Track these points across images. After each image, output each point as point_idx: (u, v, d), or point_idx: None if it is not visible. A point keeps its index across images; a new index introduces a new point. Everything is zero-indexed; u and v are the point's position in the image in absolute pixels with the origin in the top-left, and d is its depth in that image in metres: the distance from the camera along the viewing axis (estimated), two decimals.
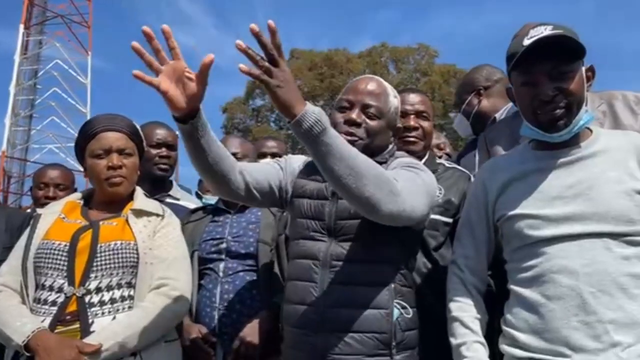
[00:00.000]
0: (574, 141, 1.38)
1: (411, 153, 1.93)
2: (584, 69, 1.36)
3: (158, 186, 2.40)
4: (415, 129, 1.94)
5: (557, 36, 1.30)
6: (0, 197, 26.37)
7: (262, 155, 2.67)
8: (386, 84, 1.63)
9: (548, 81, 1.32)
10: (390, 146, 1.64)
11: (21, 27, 28.32)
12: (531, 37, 1.33)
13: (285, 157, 1.69)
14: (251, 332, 1.84)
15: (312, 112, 1.21)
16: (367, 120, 1.54)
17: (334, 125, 1.47)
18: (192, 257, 2.01)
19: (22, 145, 28.78)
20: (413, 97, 2.00)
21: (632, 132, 1.48)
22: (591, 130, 1.42)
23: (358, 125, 1.53)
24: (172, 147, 2.43)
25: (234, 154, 2.07)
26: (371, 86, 1.58)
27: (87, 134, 1.74)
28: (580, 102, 1.34)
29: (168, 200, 2.39)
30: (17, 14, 29.39)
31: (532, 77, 1.35)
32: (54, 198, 2.40)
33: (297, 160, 1.67)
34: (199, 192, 3.50)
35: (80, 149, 1.76)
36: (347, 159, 1.25)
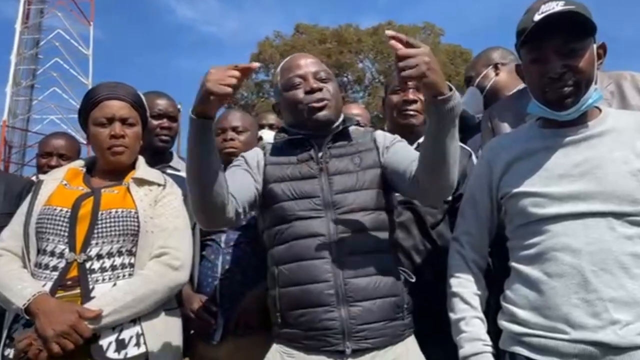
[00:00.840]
0: (581, 120, 1.37)
1: (411, 126, 1.96)
2: (595, 46, 1.34)
3: (159, 157, 2.39)
4: (414, 101, 1.95)
5: (568, 12, 1.27)
6: (1, 167, 26.45)
7: (261, 127, 2.66)
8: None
9: (557, 58, 1.30)
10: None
11: None
12: (542, 13, 1.30)
13: (242, 158, 1.64)
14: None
15: (456, 94, 1.28)
16: (325, 85, 1.61)
17: (295, 102, 1.59)
18: (194, 228, 2.01)
19: (23, 115, 28.66)
20: None
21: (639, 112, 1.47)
22: (600, 110, 1.40)
23: (319, 89, 1.59)
24: (173, 118, 2.41)
25: (234, 128, 2.09)
26: (309, 58, 1.67)
27: (90, 102, 1.73)
28: (590, 80, 1.32)
29: (169, 171, 2.36)
30: None
31: (541, 53, 1.33)
32: (58, 167, 2.40)
33: (255, 155, 1.64)
34: None
35: (84, 117, 1.76)
36: (456, 142, 1.36)
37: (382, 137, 1.64)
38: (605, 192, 1.27)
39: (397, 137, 1.65)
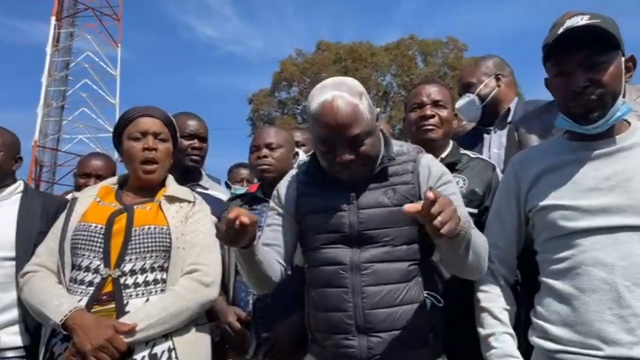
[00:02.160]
0: (610, 133, 1.36)
1: (431, 141, 1.96)
2: (623, 59, 1.33)
3: (188, 176, 2.44)
4: (432, 116, 1.97)
5: (591, 26, 1.27)
6: (32, 186, 27.10)
7: (296, 144, 2.68)
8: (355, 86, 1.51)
9: (581, 71, 1.30)
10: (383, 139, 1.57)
11: (53, 19, 28.92)
12: (566, 27, 1.31)
13: (275, 206, 1.63)
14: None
15: (465, 225, 1.23)
16: (359, 149, 1.45)
17: (326, 161, 1.48)
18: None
19: (53, 135, 29.47)
20: (428, 88, 2.03)
21: None
22: (629, 123, 1.39)
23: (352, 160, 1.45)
24: (203, 138, 2.47)
25: (268, 145, 2.11)
26: (342, 117, 1.42)
27: (125, 119, 1.81)
28: (616, 94, 1.31)
29: (198, 190, 2.43)
30: (49, 6, 30.13)
31: (565, 67, 1.33)
32: None
33: (285, 187, 1.63)
34: (228, 182, 3.55)
35: (118, 134, 1.83)
36: (472, 248, 1.32)
37: (427, 170, 1.52)
38: (637, 205, 1.26)
39: (444, 175, 1.53)
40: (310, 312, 1.58)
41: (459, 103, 2.43)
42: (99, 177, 2.68)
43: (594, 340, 1.24)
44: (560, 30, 1.30)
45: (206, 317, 1.80)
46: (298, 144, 2.74)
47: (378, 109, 1.55)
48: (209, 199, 2.35)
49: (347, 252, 1.49)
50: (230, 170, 3.73)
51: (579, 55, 1.30)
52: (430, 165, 1.55)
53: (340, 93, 1.43)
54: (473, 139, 2.48)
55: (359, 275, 1.47)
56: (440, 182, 1.52)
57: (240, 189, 3.00)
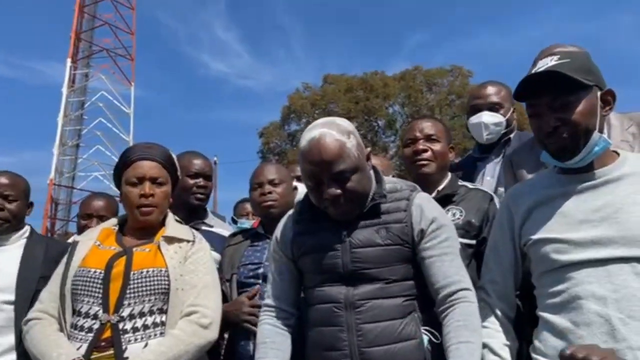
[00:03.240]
0: (599, 164, 1.37)
1: (426, 175, 1.99)
2: (599, 94, 1.36)
3: (194, 214, 2.48)
4: (425, 151, 2.00)
5: (552, 72, 1.31)
6: (48, 224, 27.48)
7: (295, 179, 2.72)
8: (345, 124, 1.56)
9: (550, 113, 1.34)
10: (374, 175, 1.61)
11: (68, 61, 29.78)
12: (531, 72, 1.35)
13: (274, 251, 1.70)
14: None
15: None
16: (345, 185, 1.49)
17: (317, 200, 1.54)
18: (230, 280, 2.08)
19: (69, 173, 29.97)
20: (420, 123, 2.07)
21: None
22: (618, 154, 1.41)
23: (338, 196, 1.49)
24: (208, 177, 2.51)
25: (271, 181, 2.14)
26: (327, 154, 1.47)
27: (124, 162, 1.83)
28: (589, 130, 1.32)
29: (203, 227, 2.46)
30: (65, 48, 31.06)
31: (536, 109, 1.37)
32: None
33: (281, 230, 1.68)
34: (234, 218, 3.59)
35: (118, 176, 1.86)
36: None
37: (420, 210, 1.53)
38: (627, 236, 1.26)
39: (438, 219, 1.54)
40: (308, 353, 1.58)
41: (487, 118, 2.38)
42: (101, 218, 2.70)
43: None
44: (525, 76, 1.35)
45: (207, 357, 1.80)
46: (299, 178, 2.78)
47: (369, 148, 1.60)
48: (213, 237, 2.38)
49: (341, 290, 1.50)
50: (236, 205, 3.79)
51: (546, 98, 1.34)
52: (424, 207, 1.55)
53: (328, 131, 1.49)
54: (469, 167, 2.50)
55: (353, 313, 1.47)
56: (433, 226, 1.53)
57: (245, 223, 3.03)
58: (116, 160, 1.94)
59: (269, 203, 2.12)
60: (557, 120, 1.33)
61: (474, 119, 2.43)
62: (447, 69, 25.02)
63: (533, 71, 1.36)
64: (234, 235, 2.32)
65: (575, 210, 1.35)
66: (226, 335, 2.21)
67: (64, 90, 29.31)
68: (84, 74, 31.26)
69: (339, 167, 1.46)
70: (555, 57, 1.36)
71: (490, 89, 2.46)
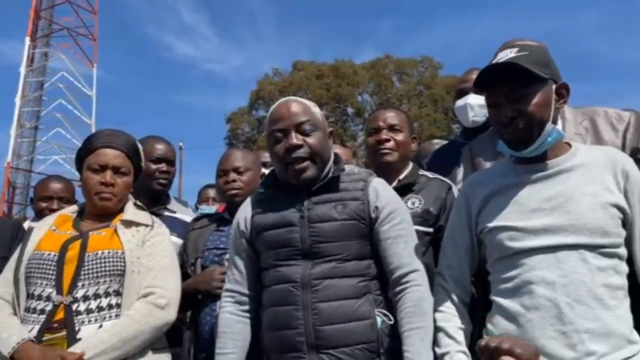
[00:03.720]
0: (552, 155, 1.42)
1: (388, 164, 2.03)
2: (554, 87, 1.40)
3: (156, 200, 2.45)
4: (387, 140, 2.04)
5: (511, 63, 1.35)
6: (5, 208, 26.53)
7: (263, 165, 2.72)
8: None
9: (507, 103, 1.38)
10: (333, 156, 1.69)
11: (27, 39, 28.63)
12: (490, 63, 1.39)
13: (234, 226, 1.73)
14: None
15: None
16: (306, 139, 1.58)
17: (278, 159, 1.60)
18: (194, 264, 2.07)
19: (27, 156, 28.96)
20: (384, 113, 2.11)
21: (609, 147, 1.52)
22: (570, 145, 1.47)
23: (300, 146, 1.57)
24: (171, 162, 2.48)
25: (236, 169, 2.12)
26: (294, 107, 1.61)
27: (87, 147, 1.80)
28: (543, 122, 1.37)
29: (166, 213, 2.43)
30: (23, 26, 29.80)
31: (494, 99, 1.41)
32: (59, 210, 2.46)
33: (242, 217, 1.71)
34: (197, 205, 3.56)
35: (79, 160, 1.83)
36: None
37: (375, 195, 1.60)
38: (576, 225, 1.31)
39: (391, 203, 1.61)
40: (263, 334, 1.59)
41: (472, 100, 2.40)
42: (61, 199, 2.65)
43: None
44: (485, 66, 1.38)
45: (167, 342, 1.79)
46: (266, 165, 2.77)
47: (331, 129, 1.70)
48: (176, 222, 2.36)
49: (298, 269, 1.53)
50: (200, 192, 3.76)
51: (503, 88, 1.38)
52: (379, 190, 1.63)
53: (295, 98, 1.69)
54: (453, 153, 2.50)
55: (309, 292, 1.50)
56: (388, 209, 1.60)
57: (207, 209, 3.02)
58: (77, 143, 1.93)
59: (234, 192, 2.11)
60: (514, 111, 1.37)
61: (460, 102, 2.48)
62: (417, 59, 25.26)
63: (490, 63, 1.40)
64: (198, 219, 2.31)
65: (529, 199, 1.40)
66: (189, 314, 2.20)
67: (22, 69, 28.21)
68: (44, 53, 30.14)
69: (302, 118, 1.59)
70: (515, 50, 1.40)
71: (471, 76, 2.49)
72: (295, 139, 1.57)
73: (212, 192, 3.61)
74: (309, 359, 1.47)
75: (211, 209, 3.33)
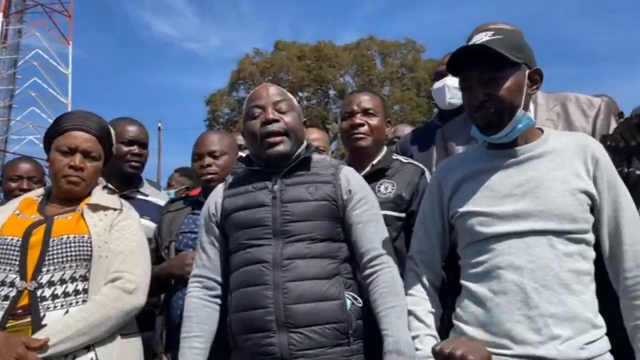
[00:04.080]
0: (523, 141, 1.42)
1: (361, 149, 2.03)
2: (527, 72, 1.40)
3: (128, 183, 2.41)
4: (361, 125, 2.03)
5: (483, 46, 1.34)
6: None
7: (240, 148, 2.69)
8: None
9: (479, 87, 1.37)
10: (305, 142, 1.74)
11: (0, 15, 27.73)
12: (462, 46, 1.38)
13: (204, 211, 1.76)
14: None
15: None
16: (282, 115, 1.65)
17: (253, 134, 1.64)
18: (168, 247, 2.05)
19: (1, 136, 28.28)
20: (359, 97, 2.09)
21: (580, 133, 1.53)
22: (542, 131, 1.47)
23: (276, 121, 1.63)
24: (143, 145, 2.43)
25: (211, 153, 2.09)
26: (272, 89, 1.71)
27: (57, 128, 1.75)
28: (514, 107, 1.37)
29: (139, 196, 2.40)
30: None
31: (466, 82, 1.40)
32: (28, 190, 2.40)
33: (212, 197, 1.75)
34: (166, 190, 3.54)
35: (48, 140, 1.77)
36: None
37: (346, 180, 1.64)
38: (545, 211, 1.32)
39: (361, 190, 1.66)
40: (230, 318, 1.59)
41: (450, 81, 2.39)
42: (31, 179, 2.60)
43: (504, 339, 1.29)
44: (457, 48, 1.37)
45: (137, 327, 1.76)
46: (241, 148, 2.74)
47: (305, 119, 1.75)
48: (149, 206, 2.33)
49: (269, 249, 1.54)
50: (171, 175, 3.77)
51: (475, 71, 1.37)
52: (350, 177, 1.68)
53: (273, 84, 1.76)
54: (430, 134, 2.49)
55: (280, 271, 1.51)
56: (359, 195, 1.64)
57: (172, 194, 3.01)
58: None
59: (209, 176, 2.08)
60: (485, 94, 1.36)
61: (437, 84, 2.47)
62: (401, 42, 25.14)
63: (462, 46, 1.38)
64: (172, 201, 2.28)
65: (500, 185, 1.40)
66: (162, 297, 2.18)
67: None
68: (17, 29, 29.25)
69: (279, 98, 1.67)
70: (490, 33, 1.39)
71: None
72: (272, 114, 1.63)
73: (175, 176, 3.65)
74: (278, 338, 1.48)
75: (170, 193, 3.31)
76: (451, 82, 2.39)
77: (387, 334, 1.47)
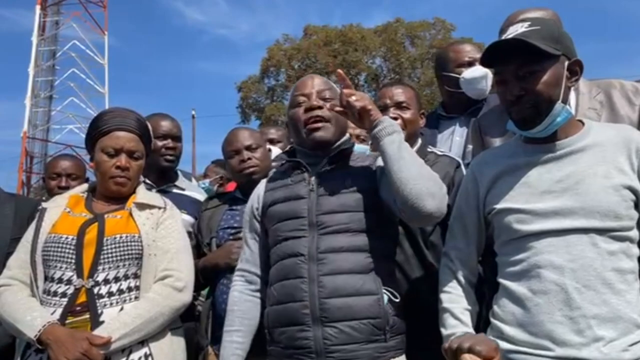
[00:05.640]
0: (563, 135, 1.38)
1: None
2: (566, 63, 1.35)
3: (164, 177, 2.46)
4: (395, 119, 1.97)
5: (519, 40, 1.30)
6: (23, 177, 27.01)
7: (270, 142, 2.71)
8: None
9: (515, 81, 1.34)
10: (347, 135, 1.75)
11: (37, 7, 28.45)
12: (498, 40, 1.35)
13: (248, 208, 1.80)
14: None
15: (386, 120, 1.53)
16: (326, 104, 1.65)
17: (295, 121, 1.66)
18: (209, 244, 2.10)
19: (43, 126, 29.23)
20: (391, 90, 2.06)
21: (623, 125, 1.48)
22: (583, 124, 1.42)
23: (320, 107, 1.64)
24: (177, 138, 2.48)
25: (248, 147, 2.12)
26: (317, 79, 1.73)
27: (100, 130, 1.79)
28: (552, 101, 1.33)
29: (174, 190, 2.45)
30: None
31: (502, 76, 1.37)
32: (67, 188, 2.47)
33: (259, 190, 1.78)
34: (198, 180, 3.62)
35: (92, 141, 1.82)
36: (413, 158, 1.48)
37: (382, 171, 1.61)
38: (587, 207, 1.29)
39: None
40: (268, 311, 1.62)
41: (473, 72, 2.34)
42: (70, 176, 2.67)
43: (544, 340, 1.28)
44: (493, 42, 1.34)
45: (180, 320, 1.83)
46: (273, 141, 2.77)
47: None
48: (185, 200, 2.38)
49: (305, 242, 1.55)
50: (209, 166, 3.84)
51: (511, 65, 1.33)
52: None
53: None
54: (433, 122, 2.47)
55: (316, 265, 1.51)
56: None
57: (202, 185, 3.08)
58: (92, 112, 1.96)
59: (252, 169, 2.10)
60: (522, 89, 1.33)
61: (473, 72, 2.33)
62: (430, 21, 24.55)
63: (502, 37, 1.35)
64: (210, 199, 2.32)
65: (538, 181, 1.37)
66: (201, 298, 2.24)
67: (34, 39, 28.14)
68: (54, 21, 29.97)
69: (323, 87, 1.69)
70: (526, 24, 1.35)
71: (470, 47, 2.46)
72: (316, 101, 1.64)
73: (211, 167, 3.72)
74: (313, 332, 1.48)
75: (204, 183, 3.38)
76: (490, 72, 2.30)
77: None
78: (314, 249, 1.52)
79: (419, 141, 2.07)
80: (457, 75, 2.39)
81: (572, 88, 1.47)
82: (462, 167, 1.98)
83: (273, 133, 2.86)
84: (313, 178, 1.62)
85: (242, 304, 1.71)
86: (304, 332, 1.49)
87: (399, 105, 2.02)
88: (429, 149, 2.05)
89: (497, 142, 1.81)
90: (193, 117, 24.12)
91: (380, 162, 1.60)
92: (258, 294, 1.72)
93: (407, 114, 2.01)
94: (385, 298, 1.52)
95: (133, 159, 1.80)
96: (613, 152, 1.33)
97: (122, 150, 1.77)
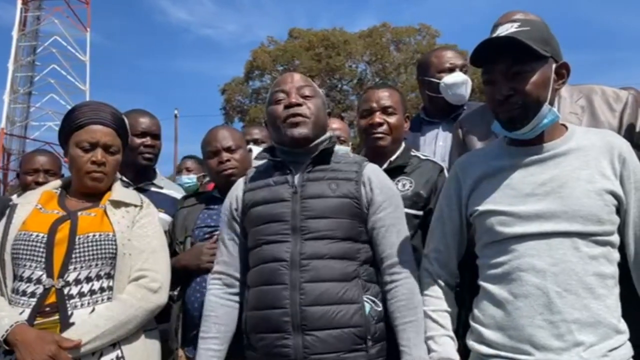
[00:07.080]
0: (547, 138, 1.38)
1: (380, 148, 1.99)
2: (554, 66, 1.35)
3: (142, 175, 2.41)
4: (380, 124, 1.98)
5: (510, 38, 1.29)
6: (0, 175, 26.45)
7: (254, 142, 2.69)
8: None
9: (504, 81, 1.32)
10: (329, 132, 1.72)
11: (19, 2, 28.01)
12: (488, 38, 1.33)
13: (225, 206, 1.74)
14: None
15: None
16: (306, 101, 1.63)
17: (275, 117, 1.62)
18: (184, 243, 2.05)
19: (21, 122, 28.74)
20: (377, 93, 2.04)
21: (606, 130, 1.48)
22: (566, 127, 1.41)
23: (299, 105, 1.61)
24: (156, 136, 2.42)
25: (227, 148, 2.06)
26: (296, 76, 1.70)
27: (75, 124, 1.72)
28: (540, 102, 1.32)
29: (153, 189, 2.40)
30: None
31: (491, 76, 1.36)
32: (44, 183, 2.40)
33: (237, 189, 1.72)
34: (176, 176, 3.60)
35: (66, 136, 1.75)
36: None
37: (368, 179, 1.59)
38: (570, 211, 1.28)
39: (390, 196, 1.61)
40: (246, 315, 1.57)
41: (453, 77, 2.38)
42: (47, 172, 2.60)
43: (525, 345, 1.27)
44: (483, 40, 1.32)
45: (155, 322, 1.78)
46: (257, 142, 2.73)
47: (329, 110, 1.75)
48: (163, 198, 2.33)
49: (288, 247, 1.51)
50: (182, 161, 3.85)
51: (501, 65, 1.32)
52: (373, 176, 1.62)
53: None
54: (416, 126, 2.48)
55: (298, 272, 1.48)
56: (383, 196, 1.59)
57: (185, 178, 3.03)
58: None
59: (230, 171, 2.05)
60: (510, 89, 1.32)
61: (454, 78, 2.39)
62: (415, 27, 24.73)
63: (488, 38, 1.33)
64: (186, 197, 2.27)
65: (521, 183, 1.36)
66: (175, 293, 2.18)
67: (14, 33, 27.66)
68: (36, 16, 29.54)
69: (303, 83, 1.66)
70: (516, 25, 1.34)
71: (452, 53, 2.50)
72: (295, 98, 1.61)
73: (189, 163, 3.70)
74: (293, 340, 1.44)
75: (191, 178, 3.32)
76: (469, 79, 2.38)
77: (404, 350, 1.46)
78: (297, 255, 1.49)
79: (402, 145, 2.06)
80: (438, 81, 2.43)
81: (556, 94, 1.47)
82: (445, 171, 1.97)
83: (257, 133, 2.82)
84: (297, 180, 1.58)
85: (219, 309, 1.65)
86: (284, 339, 1.46)
87: (384, 110, 1.99)
88: (412, 153, 2.04)
89: (478, 143, 1.80)
90: (176, 116, 23.93)
91: (366, 173, 1.60)
92: (236, 297, 1.67)
93: (393, 119, 1.99)
94: (367, 307, 1.50)
95: (109, 154, 1.73)
96: (596, 157, 1.33)
97: (98, 144, 1.71)
